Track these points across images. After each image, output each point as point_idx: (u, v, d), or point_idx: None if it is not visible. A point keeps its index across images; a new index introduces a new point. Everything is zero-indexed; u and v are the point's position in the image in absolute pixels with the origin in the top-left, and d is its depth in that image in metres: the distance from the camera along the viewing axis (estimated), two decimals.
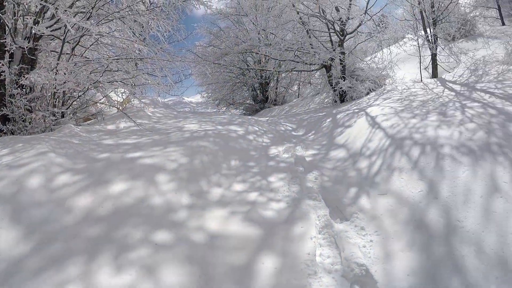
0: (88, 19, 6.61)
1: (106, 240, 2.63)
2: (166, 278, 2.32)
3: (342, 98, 10.63)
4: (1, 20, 5.63)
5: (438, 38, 10.63)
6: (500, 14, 15.82)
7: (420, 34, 10.76)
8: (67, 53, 6.70)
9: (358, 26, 10.48)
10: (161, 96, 11.27)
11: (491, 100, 5.74)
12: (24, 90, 5.87)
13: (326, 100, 12.25)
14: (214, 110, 20.59)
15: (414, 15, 11.35)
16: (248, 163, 4.88)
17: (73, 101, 7.39)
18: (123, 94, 8.04)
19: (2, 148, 3.94)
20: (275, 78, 17.80)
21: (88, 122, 7.98)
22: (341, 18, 10.15)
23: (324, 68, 11.43)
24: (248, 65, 17.02)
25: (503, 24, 15.34)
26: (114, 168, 3.71)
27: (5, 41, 5.59)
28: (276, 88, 18.13)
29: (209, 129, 6.06)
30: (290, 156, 5.38)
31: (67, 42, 6.60)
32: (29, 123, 5.85)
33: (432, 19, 10.27)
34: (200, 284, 2.31)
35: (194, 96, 29.50)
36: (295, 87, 19.73)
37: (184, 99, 27.04)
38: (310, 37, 10.95)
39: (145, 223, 2.91)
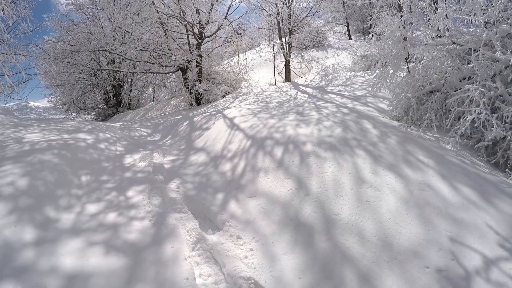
0: None
1: None
2: None
3: (199, 101, 10.55)
4: None
5: (292, 47, 11.51)
6: (348, 30, 18.72)
7: (276, 42, 11.46)
8: None
9: (217, 30, 10.59)
10: (1, 100, 9.19)
11: (342, 101, 6.29)
12: None
13: (182, 103, 12.01)
14: (63, 116, 18.16)
15: (271, 25, 12.04)
16: (102, 177, 4.16)
17: None
18: None
19: None
20: (129, 80, 16.70)
21: None
22: (200, 21, 10.09)
23: (180, 71, 11.14)
24: (100, 65, 15.43)
25: (350, 38, 18.09)
26: None
27: None
28: (130, 91, 17.02)
29: (54, 139, 5.00)
30: (148, 164, 4.83)
31: None
32: None
33: (288, 29, 11.10)
34: None
35: (41, 100, 25.44)
36: (150, 90, 18.96)
37: (29, 103, 23.22)
38: (167, 37, 10.55)
39: None
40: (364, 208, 2.83)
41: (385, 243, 2.47)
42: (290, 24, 11.11)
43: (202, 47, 10.76)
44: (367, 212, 2.78)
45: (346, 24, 18.66)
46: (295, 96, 7.66)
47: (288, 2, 11.05)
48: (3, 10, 6.32)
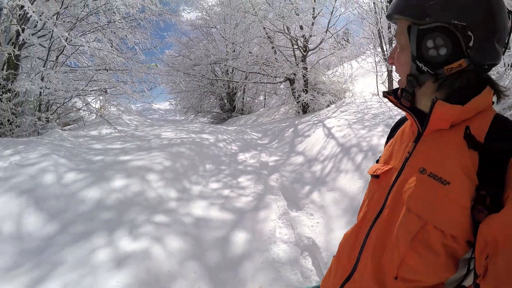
0: (71, 30, 7.47)
1: (119, 222, 3.51)
2: (170, 244, 3.24)
3: (305, 109, 11.82)
4: None
5: None
6: None
7: (378, 51, 12.14)
8: (51, 61, 7.56)
9: (319, 43, 11.77)
10: (131, 103, 12.12)
11: None
12: (10, 94, 6.52)
13: (290, 111, 13.39)
14: (183, 117, 21.51)
15: (373, 34, 12.66)
16: (220, 167, 5.90)
17: (58, 108, 8.19)
18: (101, 101, 8.88)
19: (4, 149, 4.64)
20: (242, 88, 18.88)
21: (69, 127, 8.74)
22: (304, 35, 11.42)
23: (288, 81, 12.61)
24: (216, 75, 18.02)
25: None
26: (111, 168, 4.59)
27: None
28: (243, 98, 19.16)
29: (184, 137, 7.05)
30: (256, 161, 6.43)
31: (52, 50, 7.46)
32: (17, 126, 6.58)
33: (388, 38, 11.68)
34: (194, 249, 3.25)
35: (162, 103, 30.27)
36: (261, 97, 20.93)
37: (153, 106, 27.65)
38: (275, 52, 12.11)
39: (145, 210, 3.83)
40: None
41: None
42: (390, 33, 11.57)
43: (307, 59, 11.99)
44: None
45: None
46: (393, 107, 8.50)
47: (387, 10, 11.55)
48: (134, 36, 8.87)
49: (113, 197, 3.95)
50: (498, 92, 0.92)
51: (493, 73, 5.43)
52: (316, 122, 8.57)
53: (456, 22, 0.84)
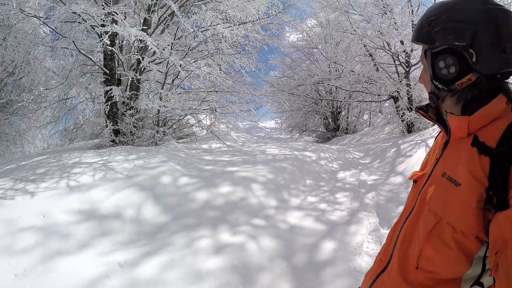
0: (184, 57, 8.81)
1: (222, 220, 4.20)
2: (263, 243, 3.79)
3: (410, 128, 11.47)
4: (114, 55, 7.91)
5: None
6: None
7: None
8: (167, 84, 9.14)
9: None
10: (239, 121, 13.32)
11: None
12: (132, 111, 8.07)
13: (395, 130, 13.12)
14: (288, 136, 22.45)
15: None
16: (320, 183, 6.31)
17: (174, 123, 9.77)
18: (211, 119, 10.08)
19: (129, 154, 5.79)
20: (346, 107, 18.97)
21: (182, 140, 10.19)
22: (405, 50, 11.18)
23: (392, 99, 12.44)
24: (320, 95, 18.49)
25: None
26: (219, 177, 5.40)
27: (116, 71, 7.97)
28: (347, 117, 19.21)
29: (288, 154, 7.67)
30: (355, 180, 6.67)
31: (168, 75, 8.98)
32: (137, 137, 8.13)
33: None
34: (285, 250, 3.73)
35: (268, 122, 31.59)
36: (366, 116, 20.77)
37: (259, 124, 29.01)
38: (377, 69, 12.10)
39: (246, 213, 4.46)
40: None
41: None
42: None
43: (410, 74, 11.66)
44: None
45: None
46: None
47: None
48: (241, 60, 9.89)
49: (219, 200, 4.69)
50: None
51: None
52: (419, 141, 8.40)
53: (457, 43, 0.96)
